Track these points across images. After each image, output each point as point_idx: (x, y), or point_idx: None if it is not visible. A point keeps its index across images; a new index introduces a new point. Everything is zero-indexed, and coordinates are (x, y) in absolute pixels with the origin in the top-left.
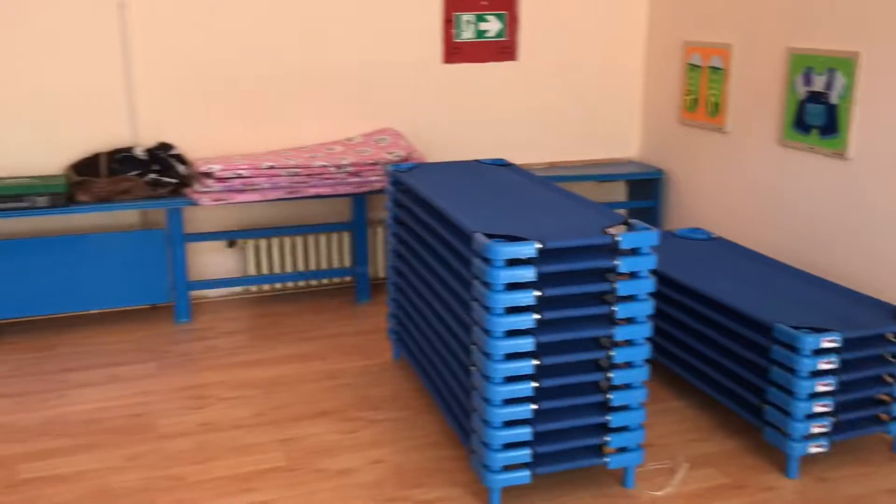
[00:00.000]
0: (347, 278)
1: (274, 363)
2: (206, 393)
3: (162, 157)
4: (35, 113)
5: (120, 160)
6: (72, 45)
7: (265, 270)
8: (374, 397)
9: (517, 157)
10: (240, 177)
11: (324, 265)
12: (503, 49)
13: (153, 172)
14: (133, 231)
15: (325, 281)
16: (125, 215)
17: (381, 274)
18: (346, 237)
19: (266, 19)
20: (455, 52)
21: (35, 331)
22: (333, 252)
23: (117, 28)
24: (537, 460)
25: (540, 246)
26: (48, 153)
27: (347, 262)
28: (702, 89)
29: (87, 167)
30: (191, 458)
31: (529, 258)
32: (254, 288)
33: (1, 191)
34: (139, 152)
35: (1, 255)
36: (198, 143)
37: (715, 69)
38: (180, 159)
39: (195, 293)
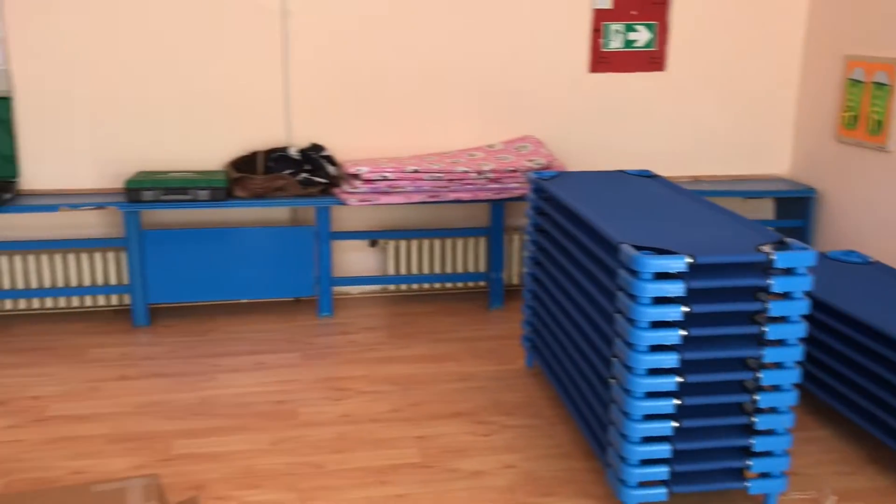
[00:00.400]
0: (481, 283)
1: (410, 361)
2: (345, 385)
3: (314, 158)
4: (200, 113)
5: (275, 159)
6: (238, 50)
7: (403, 271)
8: (507, 402)
9: (660, 169)
10: (385, 179)
11: (459, 269)
12: (652, 59)
13: (305, 172)
14: (284, 227)
15: (459, 284)
16: (275, 211)
17: (515, 280)
18: (482, 242)
19: (415, 28)
20: (602, 61)
21: (189, 316)
22: (469, 256)
23: (280, 35)
24: (675, 479)
25: (690, 260)
26: (210, 150)
27: (482, 267)
28: (863, 106)
29: (244, 164)
30: (331, 448)
31: (678, 272)
32: (392, 287)
33: (167, 184)
34: (293, 152)
35: (164, 244)
36: (347, 145)
37: (880, 85)
38: (330, 160)
39: (337, 289)
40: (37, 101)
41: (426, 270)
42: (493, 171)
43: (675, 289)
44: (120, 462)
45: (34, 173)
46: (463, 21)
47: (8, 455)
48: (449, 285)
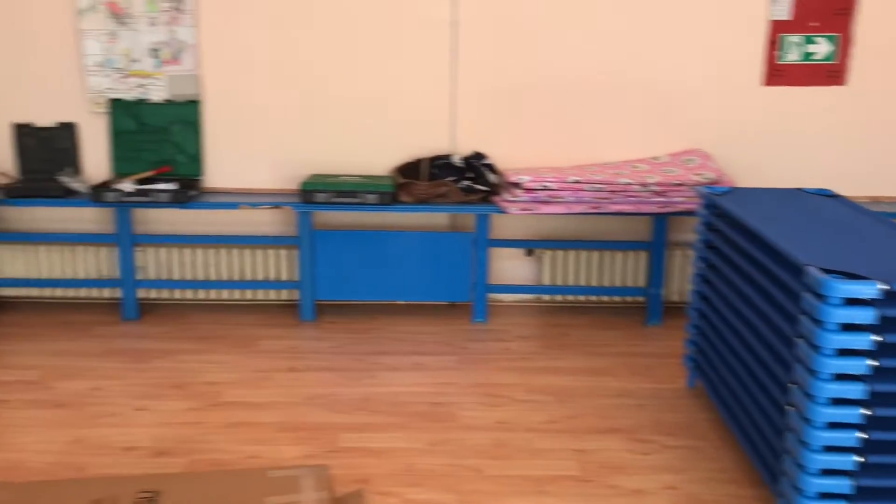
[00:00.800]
0: (639, 298)
1: (565, 373)
2: (501, 392)
3: (476, 166)
4: (370, 120)
5: (439, 166)
6: (408, 60)
7: (559, 281)
8: (668, 422)
9: (834, 188)
10: (547, 189)
11: (616, 282)
12: (831, 73)
13: (467, 179)
14: (444, 232)
15: (616, 298)
16: (435, 217)
17: (675, 297)
18: (642, 256)
19: (581, 38)
20: (777, 74)
21: (351, 313)
22: (628, 270)
23: (448, 44)
24: None
25: (885, 287)
26: (377, 156)
27: (641, 282)
28: None
29: (409, 171)
30: (488, 453)
31: (870, 299)
32: (546, 297)
33: (339, 187)
34: (456, 160)
35: (332, 244)
36: (508, 154)
37: None
38: (492, 168)
39: (491, 296)
40: (222, 105)
41: (582, 282)
42: (658, 183)
43: (866, 316)
44: (290, 450)
45: (216, 173)
46: (630, 30)
47: (189, 436)
48: (605, 298)
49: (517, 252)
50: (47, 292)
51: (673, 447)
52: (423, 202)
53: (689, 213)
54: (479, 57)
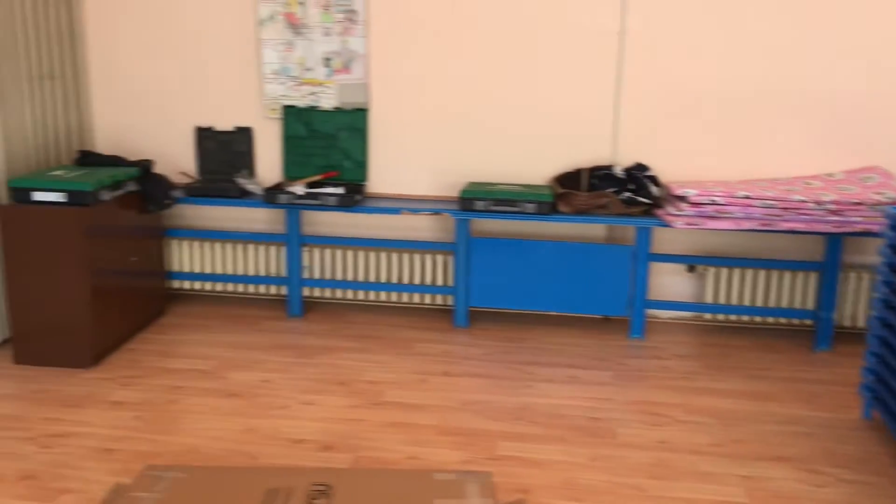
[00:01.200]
0: (807, 321)
1: (727, 395)
2: (661, 411)
3: (638, 177)
4: (529, 129)
5: (599, 177)
6: (572, 69)
7: (722, 300)
8: (841, 454)
9: None
10: (714, 203)
11: (784, 303)
12: None
13: (628, 191)
14: (602, 244)
15: (781, 320)
16: (591, 228)
17: (847, 322)
18: (812, 278)
19: (748, 48)
20: None
21: (503, 322)
22: (796, 291)
23: (614, 54)
24: None
25: None
26: (535, 165)
27: (810, 304)
28: None
29: (568, 180)
30: (650, 473)
31: None
32: (707, 315)
33: (498, 195)
34: (618, 171)
35: (488, 251)
36: (671, 166)
37: None
38: (654, 180)
39: (649, 312)
40: (387, 113)
41: (746, 302)
42: (834, 202)
43: None
44: (450, 454)
45: (379, 178)
46: (802, 40)
47: (353, 432)
48: (769, 320)
49: (678, 267)
50: (219, 286)
51: (849, 481)
52: (583, 213)
53: (869, 233)
54: (645, 67)
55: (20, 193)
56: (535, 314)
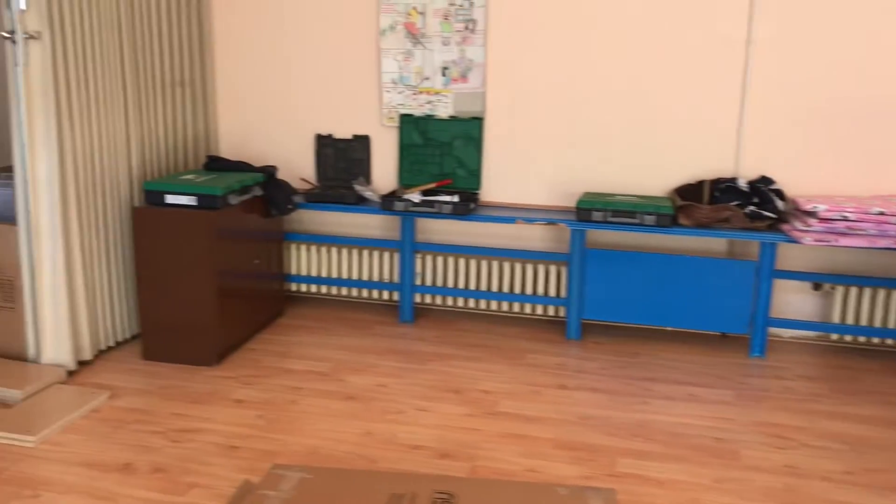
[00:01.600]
0: None
1: (859, 420)
2: (787, 434)
3: (762, 191)
4: (649, 139)
5: (722, 189)
6: (696, 79)
7: (850, 320)
8: None
9: None
10: (845, 219)
11: None
12: None
13: (752, 205)
14: (723, 259)
15: None
16: (710, 242)
17: None
18: None
19: (880, 55)
20: None
21: (616, 335)
22: None
23: (740, 63)
24: None
25: None
26: (654, 176)
27: None
28: None
29: (689, 192)
30: (779, 498)
31: None
32: (833, 336)
33: (616, 206)
34: (742, 183)
35: (604, 263)
36: (798, 180)
37: None
38: (780, 194)
39: (770, 330)
40: (502, 122)
41: (878, 323)
42: None
43: None
44: (568, 468)
45: (492, 187)
46: None
47: (469, 442)
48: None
49: (803, 285)
50: (333, 290)
51: None
52: (703, 226)
53: None
54: (771, 76)
55: (153, 196)
56: (649, 328)
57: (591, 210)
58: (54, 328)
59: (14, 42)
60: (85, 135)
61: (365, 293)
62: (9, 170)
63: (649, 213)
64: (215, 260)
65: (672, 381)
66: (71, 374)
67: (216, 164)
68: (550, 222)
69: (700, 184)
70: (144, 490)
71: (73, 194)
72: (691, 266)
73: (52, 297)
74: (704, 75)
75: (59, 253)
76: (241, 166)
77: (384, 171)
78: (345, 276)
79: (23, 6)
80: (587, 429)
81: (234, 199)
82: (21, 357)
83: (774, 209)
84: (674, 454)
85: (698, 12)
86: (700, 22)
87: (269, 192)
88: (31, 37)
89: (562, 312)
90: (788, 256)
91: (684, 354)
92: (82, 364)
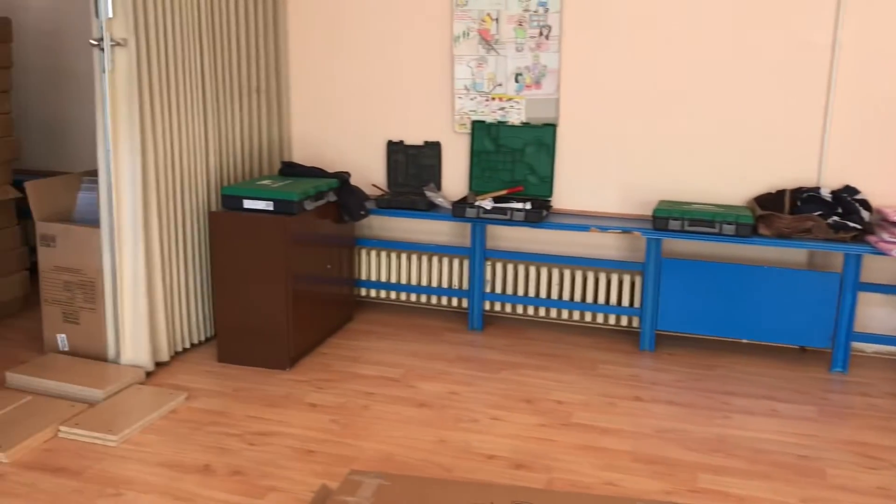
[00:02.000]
0: None
1: None
2: (875, 454)
3: (847, 201)
4: (727, 146)
5: (804, 199)
6: (777, 85)
7: None
8: None
9: None
10: None
11: None
12: None
13: (836, 215)
14: (805, 270)
15: None
16: (790, 253)
17: None
18: None
19: None
20: None
21: (691, 347)
22: None
23: (825, 68)
24: None
25: None
26: (732, 184)
27: None
28: None
29: (769, 202)
30: None
31: None
32: None
33: (694, 215)
34: (825, 193)
35: (679, 273)
36: (885, 189)
37: None
38: (865, 205)
39: (852, 345)
40: (575, 128)
41: None
42: None
43: None
44: (648, 483)
45: (564, 194)
46: None
47: (544, 453)
48: None
49: (888, 298)
50: (402, 296)
51: None
52: (784, 237)
53: None
54: (858, 83)
55: (231, 201)
56: (724, 340)
57: (668, 219)
58: (134, 329)
59: (101, 49)
60: (166, 140)
61: (434, 300)
62: (94, 174)
63: (729, 223)
64: (290, 265)
65: (751, 394)
66: (149, 374)
67: (291, 170)
68: (625, 231)
69: (781, 193)
70: (223, 492)
71: (154, 198)
72: (772, 277)
73: (133, 299)
74: (786, 81)
75: (140, 255)
76: (315, 172)
77: (454, 177)
78: (414, 282)
79: (110, 14)
80: (665, 442)
81: (309, 205)
82: (101, 357)
83: (859, 220)
84: (756, 471)
85: (781, 16)
86: (783, 26)
87: (342, 198)
88: (118, 44)
89: (634, 323)
90: (873, 269)
91: (763, 368)
92: (159, 365)
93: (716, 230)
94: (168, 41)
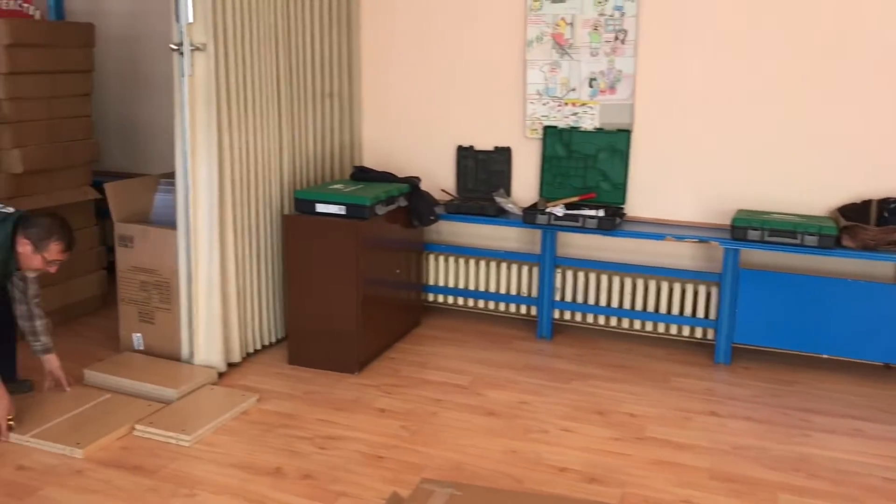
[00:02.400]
0: None
1: None
2: None
3: None
4: (809, 155)
5: (892, 210)
6: (862, 89)
7: None
8: None
9: None
10: None
11: None
12: None
13: None
14: (893, 285)
15: None
16: (875, 266)
17: None
18: None
19: None
20: None
21: (768, 361)
22: None
23: None
24: None
25: None
26: (814, 194)
27: None
28: None
29: (854, 212)
30: None
31: None
32: None
33: (775, 225)
34: None
35: (758, 285)
36: None
37: None
38: None
39: None
40: (650, 134)
41: None
42: None
43: None
44: (726, 501)
45: (638, 202)
46: None
47: (617, 467)
48: None
49: None
50: (470, 302)
51: None
52: (870, 248)
53: None
54: None
55: (304, 204)
56: (803, 355)
57: (748, 228)
58: (207, 330)
59: (181, 53)
60: (242, 143)
61: (502, 307)
62: (170, 176)
63: (811, 234)
64: (360, 268)
65: (832, 412)
66: (221, 375)
67: (363, 175)
68: (702, 240)
69: (867, 203)
70: (295, 496)
71: (229, 201)
72: (856, 291)
73: (207, 300)
74: (872, 86)
75: (214, 257)
76: (386, 177)
77: (524, 183)
78: (482, 288)
79: (191, 19)
80: (743, 459)
81: (380, 210)
82: (175, 357)
83: None
84: (842, 493)
85: (865, 18)
86: (867, 28)
87: (412, 202)
88: (197, 48)
89: (709, 335)
90: None
91: (845, 385)
92: (231, 366)
93: (797, 241)
94: (245, 46)
